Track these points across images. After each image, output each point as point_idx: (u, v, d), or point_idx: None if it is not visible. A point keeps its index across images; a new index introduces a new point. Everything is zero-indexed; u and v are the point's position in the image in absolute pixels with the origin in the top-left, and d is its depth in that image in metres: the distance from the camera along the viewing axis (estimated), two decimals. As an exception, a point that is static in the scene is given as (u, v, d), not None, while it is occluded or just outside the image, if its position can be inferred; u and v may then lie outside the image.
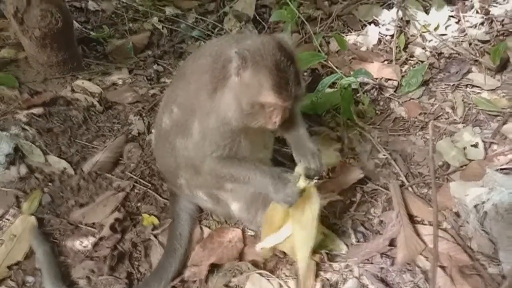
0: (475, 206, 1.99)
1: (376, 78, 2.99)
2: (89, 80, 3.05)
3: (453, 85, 2.98)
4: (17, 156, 2.41)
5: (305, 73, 3.02)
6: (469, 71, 3.08)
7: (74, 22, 3.50)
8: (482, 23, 3.47)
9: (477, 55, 3.16)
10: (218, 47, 1.81)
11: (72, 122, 2.72)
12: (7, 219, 2.17)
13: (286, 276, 1.93)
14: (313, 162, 1.81)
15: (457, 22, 3.52)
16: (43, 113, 2.74)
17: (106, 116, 2.81)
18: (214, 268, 1.95)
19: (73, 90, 2.95)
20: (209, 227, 2.14)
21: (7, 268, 1.96)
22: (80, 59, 3.17)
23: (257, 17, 3.60)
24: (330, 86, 2.79)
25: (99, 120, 2.77)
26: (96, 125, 2.73)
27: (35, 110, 2.74)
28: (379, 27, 3.46)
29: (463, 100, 2.85)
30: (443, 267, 1.91)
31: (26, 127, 2.62)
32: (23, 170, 2.37)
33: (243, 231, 2.09)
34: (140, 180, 2.37)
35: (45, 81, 3.02)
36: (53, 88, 2.97)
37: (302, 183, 1.71)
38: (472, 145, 2.47)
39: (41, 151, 2.49)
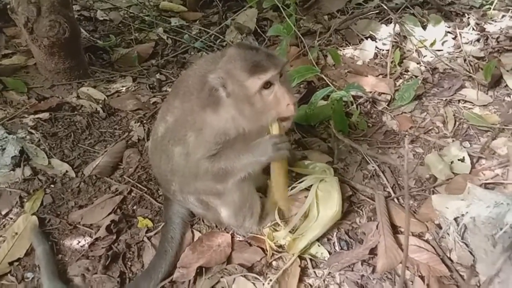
0: (455, 219, 2.06)
1: (370, 92, 3.08)
2: (94, 87, 3.19)
3: (446, 100, 3.05)
4: (22, 158, 2.54)
5: (301, 86, 3.12)
6: (462, 87, 3.15)
7: (83, 30, 3.68)
8: (477, 40, 3.55)
9: (471, 71, 3.24)
10: (203, 69, 1.96)
11: (76, 127, 2.85)
12: (10, 217, 2.30)
13: (271, 280, 2.02)
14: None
15: (453, 38, 3.61)
16: (49, 118, 2.88)
17: (108, 122, 2.94)
18: (202, 270, 2.04)
19: (78, 97, 3.09)
20: (200, 231, 2.23)
21: (8, 264, 2.08)
22: (86, 67, 3.32)
23: (258, 30, 3.73)
24: (324, 99, 2.88)
25: (102, 125, 2.90)
26: (99, 130, 2.86)
27: (42, 115, 2.89)
28: (376, 41, 3.56)
29: (454, 115, 2.93)
30: (421, 277, 1.99)
31: (32, 130, 2.77)
32: (27, 171, 2.50)
33: (232, 236, 2.18)
34: (137, 184, 2.48)
35: (52, 87, 3.17)
36: (59, 94, 3.12)
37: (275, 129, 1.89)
38: (459, 159, 2.54)
39: (45, 154, 2.62)
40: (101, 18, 4.06)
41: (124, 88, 3.25)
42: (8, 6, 2.96)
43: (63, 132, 2.80)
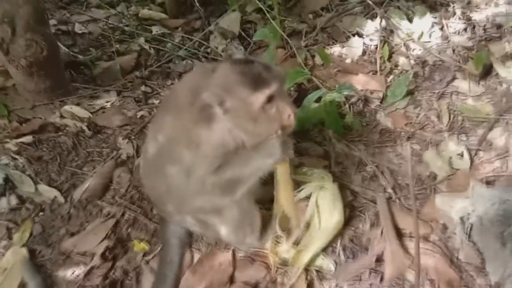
0: (461, 218, 2.02)
1: (362, 90, 3.02)
2: (78, 104, 3.07)
3: (438, 93, 3.00)
4: (7, 186, 2.43)
5: (291, 88, 3.05)
6: (453, 78, 3.11)
7: (61, 46, 3.54)
8: (465, 29, 3.51)
9: (461, 62, 3.19)
10: (193, 84, 1.87)
11: (61, 149, 2.74)
12: (-2, 251, 2.19)
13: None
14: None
15: (440, 29, 3.56)
16: (33, 141, 2.75)
17: (95, 140, 2.82)
18: (205, 292, 1.97)
19: (61, 116, 2.96)
20: (199, 250, 2.15)
21: (-1, 303, 1.98)
22: (68, 84, 3.20)
23: (243, 34, 3.64)
24: (316, 100, 2.82)
25: (88, 145, 2.79)
26: (86, 150, 2.75)
27: (25, 139, 2.76)
28: (363, 38, 3.49)
29: (448, 108, 2.88)
30: (431, 280, 1.94)
31: (16, 156, 2.64)
32: (14, 200, 2.39)
33: (234, 254, 2.11)
34: (130, 205, 2.38)
35: (33, 108, 3.04)
36: (42, 115, 2.99)
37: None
38: (458, 154, 2.50)
39: (31, 180, 2.50)
40: (80, 32, 3.92)
41: (108, 104, 3.13)
42: (-20, 27, 2.82)
43: (48, 155, 2.68)
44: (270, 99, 1.72)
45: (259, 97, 1.70)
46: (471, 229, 1.98)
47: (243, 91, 1.70)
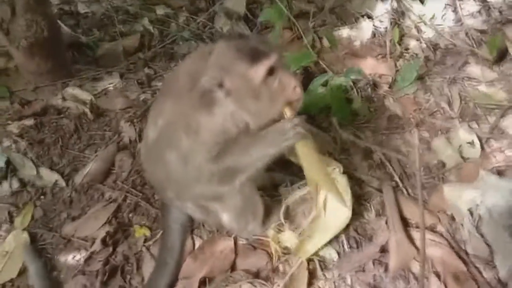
0: (469, 209, 1.96)
1: (370, 74, 2.93)
2: (80, 86, 3.02)
3: (449, 78, 2.90)
4: (9, 169, 2.41)
5: (298, 71, 2.97)
6: (466, 63, 3.00)
7: (64, 26, 3.49)
8: (479, 11, 3.37)
9: (474, 46, 3.08)
10: (191, 68, 1.80)
11: (63, 132, 2.71)
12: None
13: (279, 285, 1.92)
14: None
15: (453, 11, 3.43)
16: (34, 123, 2.72)
17: (97, 124, 2.78)
18: (206, 279, 1.94)
19: (63, 98, 2.92)
20: (200, 237, 2.12)
21: (0, 286, 1.97)
22: (70, 66, 3.15)
23: (248, 14, 3.53)
24: (323, 85, 2.74)
25: (91, 128, 2.75)
26: (88, 133, 2.71)
27: (26, 121, 2.73)
28: (373, 20, 3.37)
29: (459, 94, 2.79)
30: (437, 273, 1.89)
31: (18, 138, 2.62)
32: (15, 184, 2.37)
33: (235, 241, 2.08)
34: (132, 190, 2.35)
35: (35, 89, 3.00)
36: (44, 97, 2.95)
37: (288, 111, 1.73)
38: (467, 143, 2.42)
39: (32, 163, 2.48)
40: (83, 12, 3.84)
41: (111, 86, 3.08)
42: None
43: (50, 138, 2.65)
44: (271, 71, 1.65)
45: (259, 70, 1.62)
46: (479, 220, 1.92)
47: (241, 66, 1.62)
